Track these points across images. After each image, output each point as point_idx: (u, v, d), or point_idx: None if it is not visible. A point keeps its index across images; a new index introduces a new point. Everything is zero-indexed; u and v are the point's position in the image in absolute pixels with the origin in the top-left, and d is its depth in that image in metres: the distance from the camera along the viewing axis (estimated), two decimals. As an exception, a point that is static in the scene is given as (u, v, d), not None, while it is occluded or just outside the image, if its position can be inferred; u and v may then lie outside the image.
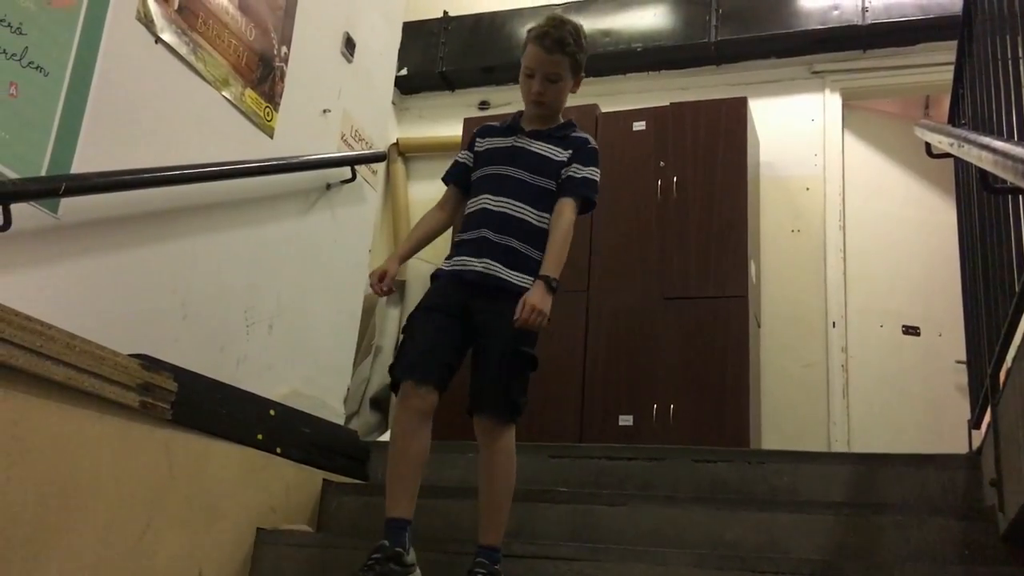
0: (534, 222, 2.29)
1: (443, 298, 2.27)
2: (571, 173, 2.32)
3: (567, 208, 2.30)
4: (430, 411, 2.18)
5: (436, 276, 2.35)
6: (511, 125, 2.44)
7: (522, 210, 2.28)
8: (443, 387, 2.20)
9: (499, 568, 2.16)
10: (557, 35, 2.29)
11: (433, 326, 2.22)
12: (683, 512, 2.47)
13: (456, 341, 2.23)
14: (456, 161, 2.51)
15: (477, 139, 2.48)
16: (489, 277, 2.23)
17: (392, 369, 2.24)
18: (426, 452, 2.19)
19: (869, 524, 2.32)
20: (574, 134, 2.40)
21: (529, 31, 2.36)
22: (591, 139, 2.41)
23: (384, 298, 4.81)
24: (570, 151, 2.35)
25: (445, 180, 2.52)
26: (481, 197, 2.33)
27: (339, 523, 2.78)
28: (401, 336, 2.31)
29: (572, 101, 4.86)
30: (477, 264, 2.25)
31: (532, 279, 2.21)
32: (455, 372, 2.24)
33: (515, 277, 2.23)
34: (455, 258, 2.31)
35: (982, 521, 2.22)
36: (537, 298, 2.13)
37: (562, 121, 2.43)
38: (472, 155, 2.46)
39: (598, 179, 2.37)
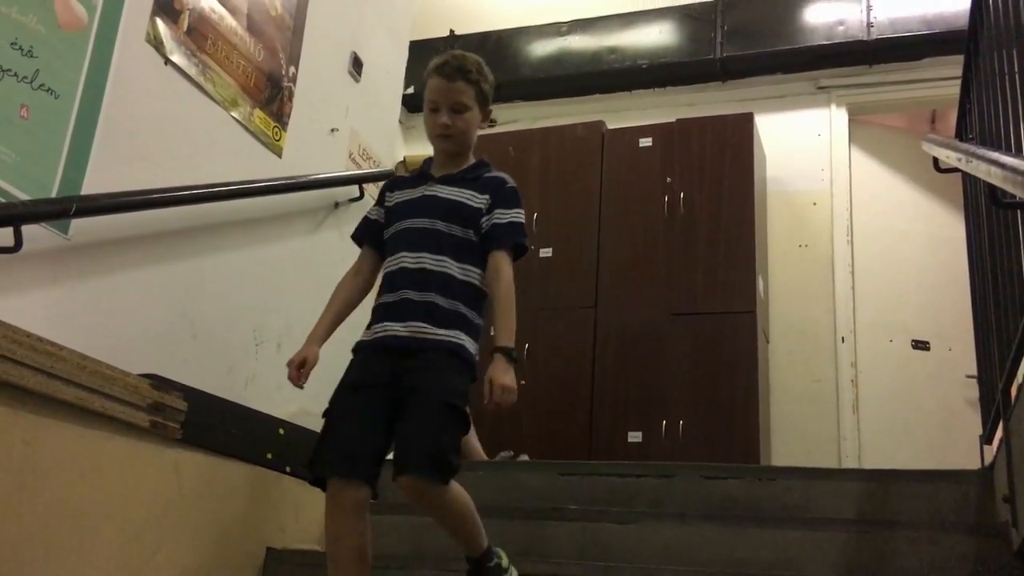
0: (456, 275, 2.11)
1: (367, 371, 2.08)
2: (496, 220, 2.15)
3: (503, 263, 2.13)
4: (363, 504, 1.97)
5: (358, 348, 2.15)
6: (420, 173, 2.27)
7: (442, 263, 2.10)
8: (374, 478, 1.99)
9: (493, 564, 2.10)
10: (457, 64, 2.20)
11: (357, 408, 2.02)
12: (693, 530, 2.45)
13: (385, 419, 2.00)
14: (366, 218, 2.32)
15: (387, 193, 2.30)
16: (412, 339, 2.05)
17: (312, 464, 2.02)
18: (365, 548, 1.97)
19: (881, 541, 2.31)
20: (488, 175, 2.23)
21: (428, 68, 2.25)
22: (508, 178, 2.24)
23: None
24: (487, 196, 2.17)
25: (357, 240, 2.33)
26: (398, 255, 2.15)
27: (348, 542, 2.77)
28: (323, 420, 2.08)
29: (578, 117, 4.95)
30: (401, 329, 2.06)
31: (462, 334, 2.07)
32: (386, 456, 2.02)
33: (442, 334, 2.05)
34: (376, 324, 2.12)
35: (995, 537, 2.20)
36: (502, 374, 1.97)
37: (474, 161, 2.27)
38: (383, 211, 2.28)
39: (523, 220, 2.21)
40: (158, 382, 2.16)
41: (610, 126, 4.74)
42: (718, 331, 4.11)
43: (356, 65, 3.43)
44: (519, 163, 4.70)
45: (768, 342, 4.47)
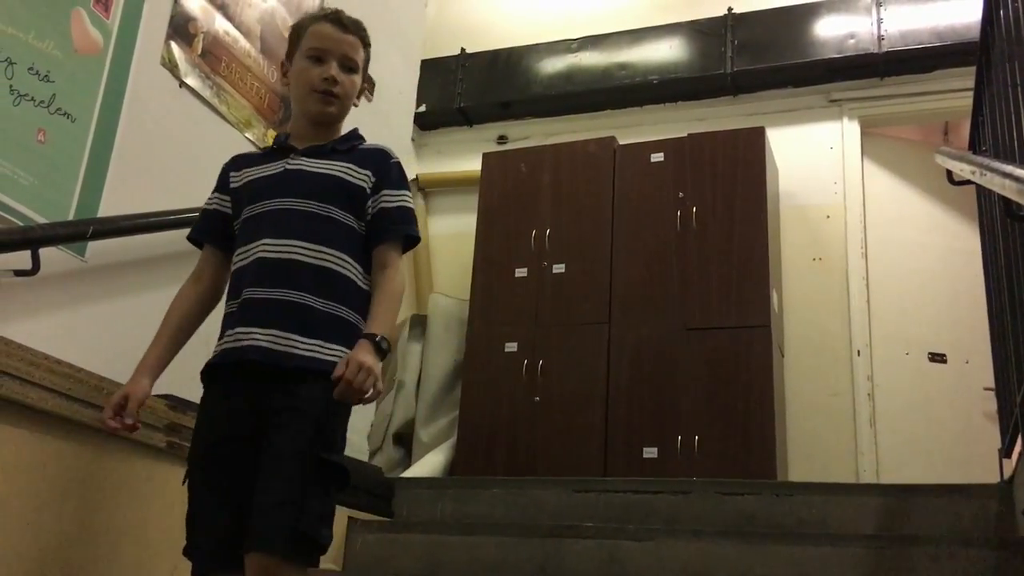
0: (334, 267, 1.71)
1: (225, 419, 1.66)
2: (383, 204, 1.77)
3: (391, 257, 1.75)
4: None
5: (208, 370, 1.74)
6: (277, 147, 1.85)
7: (316, 253, 1.70)
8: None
9: None
10: (351, 18, 1.83)
11: (221, 478, 1.63)
12: (711, 546, 2.44)
13: (254, 481, 1.60)
14: (204, 210, 1.87)
15: (231, 173, 1.86)
16: (280, 355, 1.63)
17: (187, 552, 1.69)
18: None
19: (901, 557, 2.29)
20: (364, 146, 1.85)
21: (307, 17, 1.86)
22: (390, 150, 1.87)
23: (405, 332, 4.84)
24: (369, 171, 1.79)
25: (194, 239, 1.89)
26: (255, 244, 1.71)
27: (364, 561, 2.77)
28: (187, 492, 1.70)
29: (590, 133, 4.96)
30: (261, 337, 1.64)
31: (341, 348, 1.65)
32: None
33: (318, 349, 1.64)
34: (227, 334, 1.70)
35: (1016, 552, 2.18)
36: (365, 354, 1.55)
37: (344, 134, 1.87)
38: (227, 197, 1.84)
39: (412, 204, 1.84)
40: (174, 403, 2.17)
41: (622, 141, 4.74)
42: (733, 345, 4.10)
43: (369, 85, 3.46)
44: (531, 179, 4.72)
45: (783, 356, 4.45)
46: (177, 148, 2.54)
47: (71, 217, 2.17)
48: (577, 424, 4.18)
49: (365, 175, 1.78)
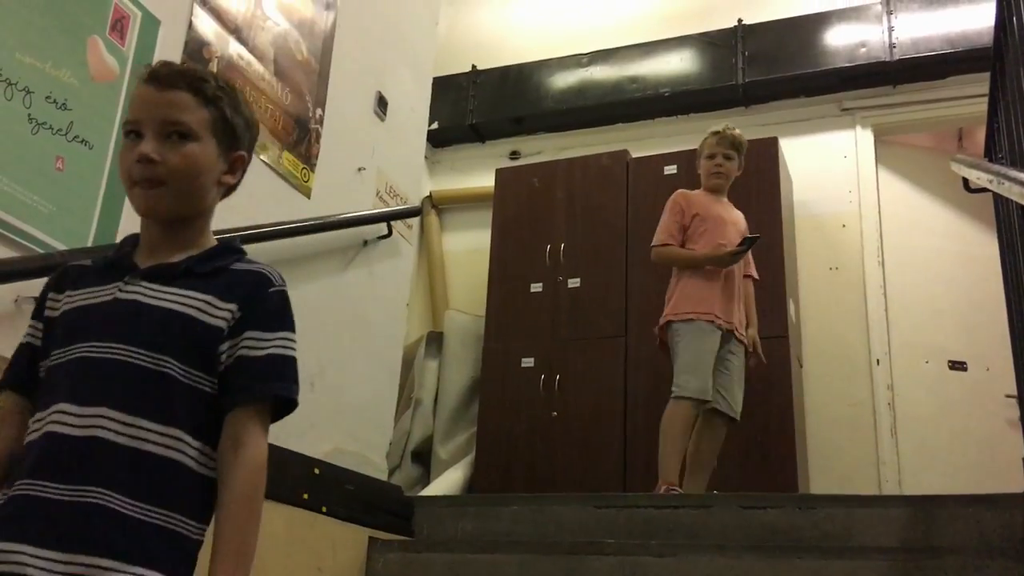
0: (158, 451, 1.17)
1: None
2: (243, 352, 1.23)
3: (248, 432, 1.24)
4: None
5: None
6: (115, 260, 1.30)
7: (135, 430, 1.16)
8: None
9: None
10: (179, 68, 1.33)
11: None
12: (734, 561, 2.42)
13: None
14: (20, 345, 1.32)
15: (49, 295, 1.31)
16: None
17: None
18: None
19: (926, 569, 2.26)
20: (236, 266, 1.30)
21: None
22: (273, 274, 1.30)
23: (422, 349, 4.85)
24: (234, 304, 1.25)
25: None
26: (51, 411, 1.17)
27: (386, 581, 2.77)
28: None
29: (602, 147, 4.98)
30: (31, 560, 1.08)
31: (153, 573, 1.12)
32: None
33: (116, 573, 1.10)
34: None
35: (1044, 563, 2.15)
36: None
37: (214, 243, 1.33)
38: (40, 326, 1.30)
39: (293, 351, 1.28)
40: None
41: (634, 155, 4.75)
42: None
43: (381, 104, 3.47)
44: (545, 194, 4.73)
45: (802, 366, 4.43)
46: (193, 172, 2.56)
47: (90, 244, 2.18)
48: (595, 438, 4.17)
49: (228, 311, 1.24)
